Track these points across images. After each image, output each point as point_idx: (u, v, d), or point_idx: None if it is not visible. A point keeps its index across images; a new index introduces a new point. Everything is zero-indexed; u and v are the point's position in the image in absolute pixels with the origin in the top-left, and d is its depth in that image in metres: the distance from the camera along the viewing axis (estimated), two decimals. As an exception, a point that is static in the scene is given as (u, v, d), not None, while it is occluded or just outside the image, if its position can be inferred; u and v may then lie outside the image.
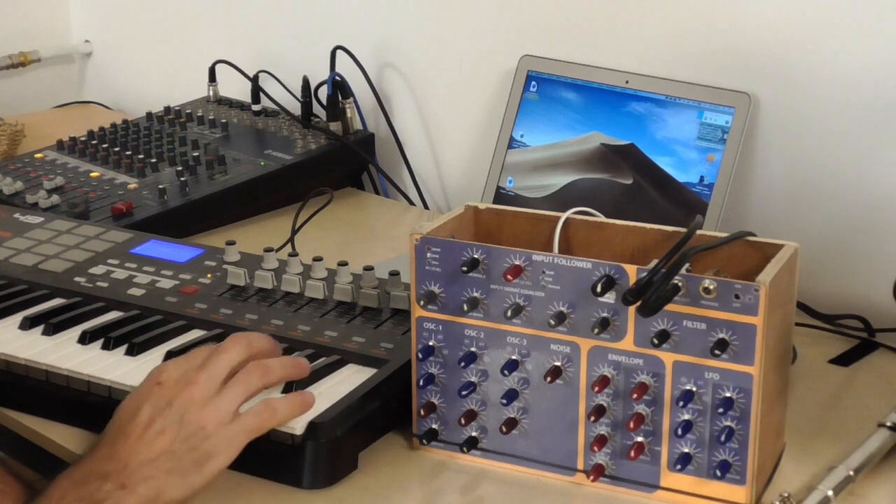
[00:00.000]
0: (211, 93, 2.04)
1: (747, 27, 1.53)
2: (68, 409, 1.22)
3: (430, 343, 1.15)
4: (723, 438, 1.06)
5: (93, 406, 1.20)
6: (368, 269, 1.38)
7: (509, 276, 1.10)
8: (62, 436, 1.20)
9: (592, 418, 1.10)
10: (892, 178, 1.44)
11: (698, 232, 1.07)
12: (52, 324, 1.29)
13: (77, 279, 1.39)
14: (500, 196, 1.61)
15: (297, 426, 1.11)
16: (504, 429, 1.13)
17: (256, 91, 1.97)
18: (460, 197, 1.81)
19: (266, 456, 1.11)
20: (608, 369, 1.09)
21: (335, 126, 1.86)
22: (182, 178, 1.75)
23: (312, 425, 1.11)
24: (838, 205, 1.49)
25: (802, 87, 1.49)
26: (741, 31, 1.53)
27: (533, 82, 1.61)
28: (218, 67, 2.02)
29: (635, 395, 1.08)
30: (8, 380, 1.25)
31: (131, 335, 1.26)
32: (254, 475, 1.12)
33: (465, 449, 1.15)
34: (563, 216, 1.17)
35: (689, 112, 1.50)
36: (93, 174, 1.79)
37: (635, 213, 1.42)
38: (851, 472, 1.10)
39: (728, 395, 1.06)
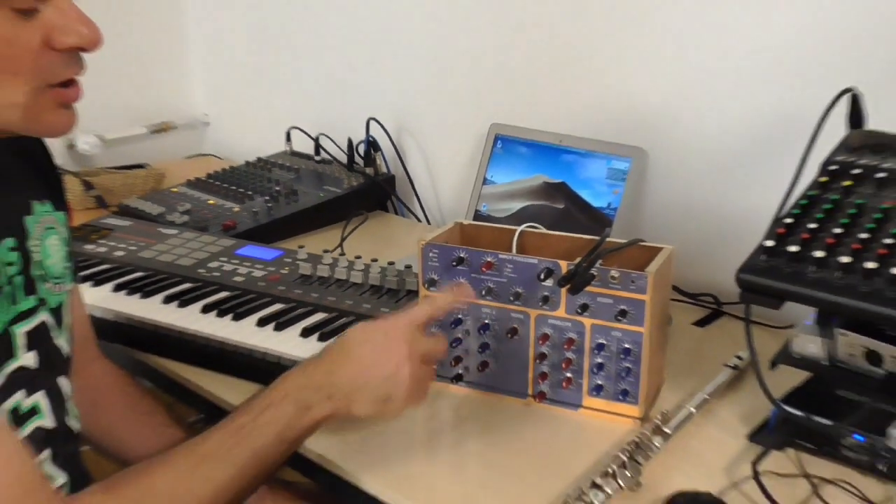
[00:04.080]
0: (287, 148, 2.04)
1: (640, 102, 1.53)
2: (193, 354, 1.22)
3: (432, 312, 1.15)
4: (623, 374, 1.07)
5: (200, 349, 1.21)
6: (391, 263, 1.38)
7: (484, 269, 1.10)
8: (197, 376, 1.21)
9: (538, 361, 1.11)
10: (734, 204, 1.45)
11: (608, 239, 1.07)
12: (184, 299, 1.29)
13: (199, 270, 1.39)
14: (478, 215, 1.61)
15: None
16: (480, 368, 1.14)
17: (317, 147, 1.97)
18: (452, 216, 1.80)
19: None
20: (548, 329, 1.10)
21: (369, 170, 1.86)
22: (269, 204, 1.74)
23: (355, 366, 1.10)
24: (701, 220, 1.49)
25: (678, 142, 1.50)
26: (636, 105, 1.54)
27: (499, 141, 1.61)
28: (292, 132, 2.03)
29: (566, 346, 1.09)
30: (151, 336, 1.25)
31: (236, 308, 1.26)
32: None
33: (454, 381, 1.16)
34: (519, 229, 1.17)
35: (601, 160, 1.50)
36: (210, 202, 1.79)
37: (566, 227, 1.42)
38: (707, 396, 1.11)
39: (627, 346, 1.06)
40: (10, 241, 0.90)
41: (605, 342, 1.07)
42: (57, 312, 0.98)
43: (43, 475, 0.83)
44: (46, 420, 0.95)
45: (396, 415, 0.96)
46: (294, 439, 0.93)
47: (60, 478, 0.96)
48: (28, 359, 0.92)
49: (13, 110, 0.80)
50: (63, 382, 0.98)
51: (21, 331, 0.91)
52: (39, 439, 0.94)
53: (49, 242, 0.98)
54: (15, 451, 0.81)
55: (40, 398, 0.94)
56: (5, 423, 0.84)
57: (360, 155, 1.89)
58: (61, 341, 0.98)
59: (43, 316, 0.95)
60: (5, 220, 0.92)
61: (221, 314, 1.25)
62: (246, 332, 1.20)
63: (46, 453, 0.94)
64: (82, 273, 1.37)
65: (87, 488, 0.86)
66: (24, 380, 0.91)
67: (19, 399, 0.91)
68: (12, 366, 0.90)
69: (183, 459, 0.88)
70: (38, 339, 0.94)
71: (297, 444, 0.95)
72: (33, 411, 0.93)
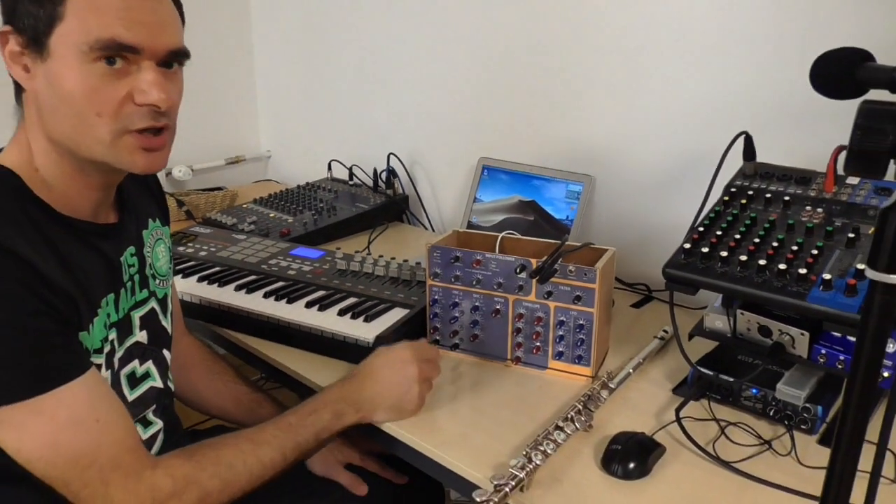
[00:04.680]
0: (329, 175, 2.03)
1: (590, 142, 1.52)
2: (257, 328, 1.21)
3: (436, 297, 1.14)
4: (579, 344, 1.07)
5: (262, 325, 1.19)
6: (405, 261, 1.37)
7: (474, 265, 1.10)
8: (259, 345, 1.20)
9: (515, 334, 1.10)
10: (660, 216, 1.44)
11: (566, 243, 1.07)
12: (250, 287, 1.28)
13: (262, 266, 1.38)
14: (471, 225, 1.60)
15: (370, 337, 1.10)
16: (471, 339, 1.13)
17: (351, 174, 1.96)
18: (451, 225, 1.80)
19: (354, 353, 1.11)
20: (522, 310, 1.09)
21: (389, 191, 1.86)
22: (315, 217, 1.74)
23: (378, 337, 1.10)
24: (636, 229, 1.49)
25: (619, 171, 1.49)
26: (587, 144, 1.53)
27: (485, 170, 1.61)
28: (332, 163, 2.02)
29: (536, 323, 1.08)
30: (225, 315, 1.24)
31: (290, 294, 1.25)
32: (347, 362, 1.11)
33: (452, 349, 1.15)
34: (500, 235, 1.17)
35: (561, 184, 1.50)
36: (271, 215, 1.78)
37: (536, 234, 1.42)
38: (641, 360, 1.11)
39: (581, 322, 1.06)
40: (132, 249, 0.91)
41: (564, 319, 1.06)
42: (163, 302, 0.98)
43: (139, 437, 0.82)
44: (157, 382, 0.95)
45: (403, 418, 0.97)
46: (326, 438, 0.94)
47: (158, 424, 0.96)
48: (142, 336, 0.93)
49: (100, 146, 0.79)
50: (166, 354, 0.98)
51: (137, 315, 0.92)
52: (152, 396, 0.94)
53: (158, 250, 0.99)
54: (121, 416, 0.81)
55: (151, 365, 0.94)
56: (113, 392, 0.83)
57: (382, 180, 1.89)
58: (166, 323, 0.99)
59: (152, 304, 0.96)
60: (131, 234, 0.93)
61: (278, 298, 1.24)
62: (296, 312, 1.19)
63: (154, 406, 0.94)
64: (175, 268, 1.36)
65: (170, 453, 0.85)
66: (139, 352, 0.92)
67: (135, 366, 0.91)
68: (132, 341, 0.91)
69: (244, 442, 0.87)
70: (149, 321, 0.94)
71: (328, 441, 0.95)
72: (147, 375, 0.94)
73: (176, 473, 0.81)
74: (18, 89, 0.82)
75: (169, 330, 0.99)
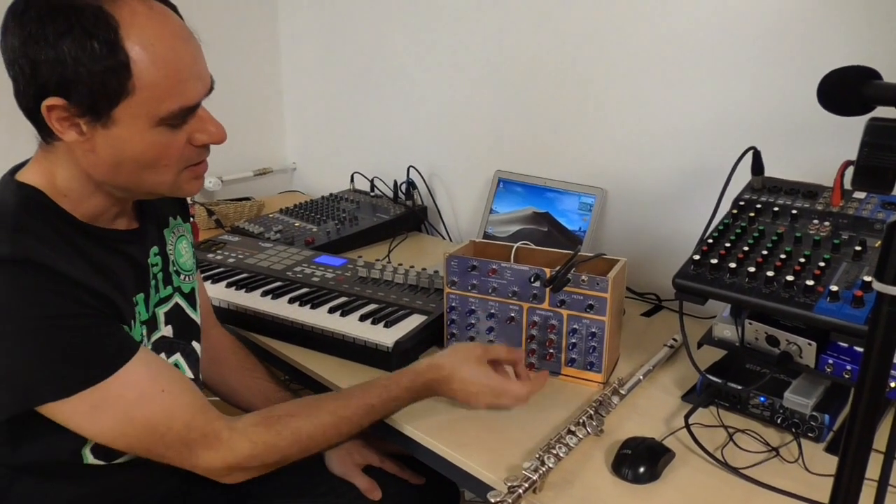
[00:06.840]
0: (351, 187, 2.04)
1: (603, 156, 1.52)
2: (282, 332, 1.21)
3: (453, 304, 1.14)
4: (591, 351, 1.06)
5: (287, 329, 1.19)
6: (424, 269, 1.37)
7: (490, 274, 1.09)
8: (285, 348, 1.20)
9: (529, 341, 1.09)
10: (670, 228, 1.43)
11: (579, 254, 1.06)
12: (276, 293, 1.29)
13: (287, 273, 1.39)
14: (487, 235, 1.60)
15: (389, 342, 1.10)
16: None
17: (372, 186, 1.97)
18: (468, 236, 1.80)
19: (374, 356, 1.11)
20: (536, 318, 1.09)
21: (409, 202, 1.86)
22: (337, 226, 1.74)
23: (397, 342, 1.10)
24: (647, 240, 1.47)
25: (630, 185, 1.48)
26: (600, 158, 1.52)
27: (501, 183, 1.61)
28: (355, 175, 2.03)
29: (549, 330, 1.08)
30: (252, 319, 1.24)
31: (313, 299, 1.26)
32: (368, 365, 1.11)
33: (468, 354, 1.14)
34: (515, 245, 1.16)
35: (574, 197, 1.49)
36: (296, 224, 1.79)
37: (549, 244, 1.42)
38: (651, 367, 1.10)
39: (594, 330, 1.05)
40: (155, 249, 0.92)
41: (577, 328, 1.06)
42: (190, 296, 0.99)
43: (205, 397, 0.86)
44: (189, 373, 0.96)
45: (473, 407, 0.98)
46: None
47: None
48: (167, 331, 0.93)
49: (163, 186, 0.83)
50: (196, 346, 0.99)
51: (162, 311, 0.93)
52: None
53: (181, 246, 1.00)
54: (183, 382, 0.84)
55: (179, 358, 0.95)
56: (168, 363, 0.86)
57: (402, 192, 1.89)
58: (194, 316, 0.99)
59: (177, 299, 0.96)
60: (154, 234, 0.94)
61: (302, 304, 1.25)
62: (320, 317, 1.20)
63: None
64: (205, 274, 1.38)
65: (247, 415, 0.88)
66: (165, 345, 0.93)
67: (163, 358, 0.92)
68: (157, 336, 0.92)
69: (326, 415, 0.90)
70: (174, 316, 0.95)
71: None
72: (175, 367, 0.94)
73: (256, 440, 0.85)
74: (46, 130, 0.78)
75: (198, 323, 1.00)
